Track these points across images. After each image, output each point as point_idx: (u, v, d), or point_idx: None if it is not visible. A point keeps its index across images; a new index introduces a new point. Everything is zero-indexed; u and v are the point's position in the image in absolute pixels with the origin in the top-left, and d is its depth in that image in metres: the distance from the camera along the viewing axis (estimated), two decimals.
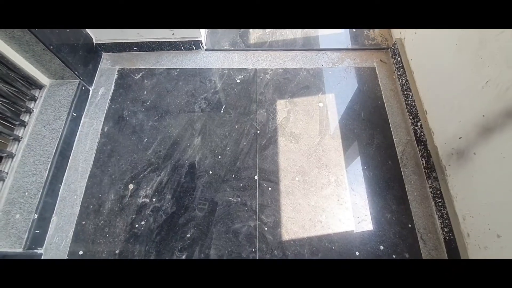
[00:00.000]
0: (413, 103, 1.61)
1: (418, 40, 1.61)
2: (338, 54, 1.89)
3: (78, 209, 1.43)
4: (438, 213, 1.41)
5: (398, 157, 1.55)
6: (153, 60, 1.84)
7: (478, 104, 1.15)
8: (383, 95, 1.73)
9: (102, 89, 1.73)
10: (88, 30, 1.70)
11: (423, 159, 1.53)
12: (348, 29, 2.00)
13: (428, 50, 1.51)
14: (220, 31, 1.97)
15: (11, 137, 1.43)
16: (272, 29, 1.98)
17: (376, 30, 1.99)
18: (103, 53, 1.86)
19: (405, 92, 1.69)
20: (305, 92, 1.73)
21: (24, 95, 1.52)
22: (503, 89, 1.04)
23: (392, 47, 1.85)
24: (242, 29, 1.99)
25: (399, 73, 1.77)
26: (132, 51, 1.86)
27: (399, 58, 1.76)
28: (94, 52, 1.78)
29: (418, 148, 1.57)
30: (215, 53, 1.88)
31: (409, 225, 1.41)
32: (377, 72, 1.82)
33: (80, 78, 1.63)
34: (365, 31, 1.98)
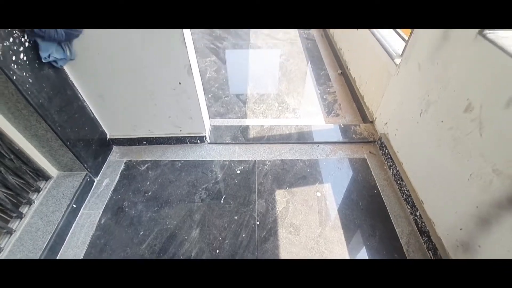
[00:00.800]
0: (408, 193, 1.66)
1: (400, 135, 1.79)
2: (331, 146, 2.06)
3: None
4: None
5: (404, 250, 1.49)
6: (159, 153, 1.98)
7: (469, 195, 1.20)
8: (377, 185, 1.80)
9: (106, 180, 1.80)
10: (104, 127, 1.90)
11: (430, 251, 1.46)
12: (337, 125, 2.24)
13: (411, 144, 1.66)
14: (223, 127, 2.20)
15: (4, 230, 1.39)
16: (269, 125, 2.21)
17: (362, 126, 2.23)
18: (114, 146, 2.01)
19: (398, 182, 1.77)
20: (303, 182, 1.80)
21: (29, 186, 1.56)
22: (487, 181, 1.11)
23: (379, 140, 2.04)
24: (243, 125, 2.22)
25: (389, 163, 1.89)
26: (141, 145, 2.02)
27: (386, 151, 1.91)
28: (106, 146, 1.93)
29: (423, 240, 1.52)
30: (218, 146, 2.04)
31: None
32: (369, 163, 1.94)
33: (87, 170, 1.71)
34: (352, 127, 2.22)
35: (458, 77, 1.26)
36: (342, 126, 2.23)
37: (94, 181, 1.78)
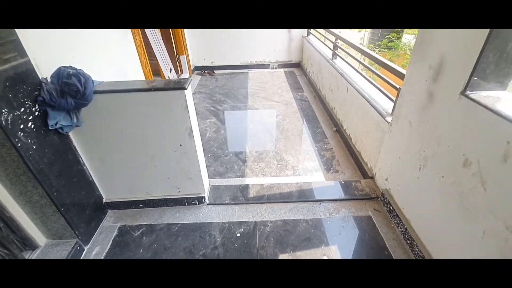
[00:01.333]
0: (421, 254, 1.54)
1: (402, 191, 1.76)
2: (333, 204, 2.00)
3: None
4: None
5: None
6: (156, 216, 1.90)
7: (486, 257, 1.12)
8: (387, 245, 1.69)
9: (97, 248, 1.68)
10: (101, 191, 1.86)
11: None
12: (338, 182, 2.22)
13: (416, 200, 1.62)
14: (222, 187, 2.16)
15: None
16: (269, 183, 2.19)
17: (363, 182, 2.21)
18: (109, 210, 1.94)
19: (408, 242, 1.66)
20: (307, 245, 1.69)
21: (14, 258, 1.44)
22: (503, 239, 1.04)
23: (381, 196, 2.00)
24: (242, 184, 2.19)
25: (396, 221, 1.81)
26: (138, 208, 1.95)
27: (391, 207, 1.85)
28: (101, 210, 1.86)
29: None
30: (217, 207, 1.98)
31: None
32: (374, 221, 1.86)
33: (78, 238, 1.61)
34: (353, 183, 2.19)
35: (449, 134, 1.30)
36: (343, 182, 2.21)
37: (84, 250, 1.66)
